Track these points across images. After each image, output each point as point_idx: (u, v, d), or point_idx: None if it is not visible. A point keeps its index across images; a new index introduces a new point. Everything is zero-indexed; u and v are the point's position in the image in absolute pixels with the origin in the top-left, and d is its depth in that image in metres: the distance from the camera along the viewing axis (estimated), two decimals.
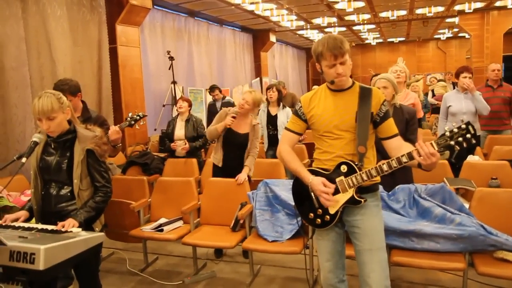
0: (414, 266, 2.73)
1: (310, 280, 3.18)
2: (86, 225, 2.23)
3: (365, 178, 2.01)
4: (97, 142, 2.33)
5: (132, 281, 3.52)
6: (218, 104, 7.01)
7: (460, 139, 1.84)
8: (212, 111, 6.98)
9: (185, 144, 4.67)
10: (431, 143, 1.87)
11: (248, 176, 3.70)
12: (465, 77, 4.47)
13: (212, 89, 7.14)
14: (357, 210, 2.10)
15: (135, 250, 4.03)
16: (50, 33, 4.99)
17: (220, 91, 7.18)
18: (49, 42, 4.98)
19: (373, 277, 2.07)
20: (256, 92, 3.79)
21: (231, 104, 7.00)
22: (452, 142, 1.85)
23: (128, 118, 3.39)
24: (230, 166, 3.74)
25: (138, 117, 3.40)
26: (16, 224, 2.21)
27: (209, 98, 7.69)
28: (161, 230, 3.44)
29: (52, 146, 2.33)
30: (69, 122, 2.34)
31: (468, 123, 1.84)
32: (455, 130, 1.85)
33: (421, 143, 1.88)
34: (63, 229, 2.08)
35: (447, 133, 1.87)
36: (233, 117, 3.66)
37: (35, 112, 2.20)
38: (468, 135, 1.83)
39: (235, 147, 3.74)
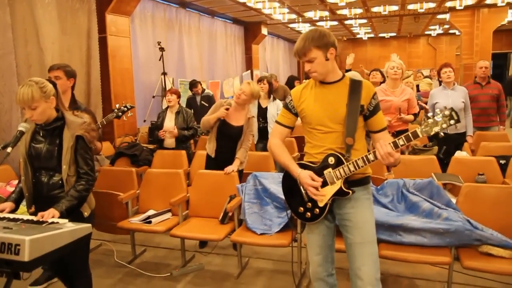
0: (401, 260, 2.75)
1: (297, 273, 3.20)
2: (70, 214, 2.20)
3: (352, 169, 2.02)
4: (86, 128, 2.32)
5: (119, 273, 3.50)
6: (198, 98, 6.99)
7: (445, 125, 1.88)
8: (192, 105, 6.94)
9: (174, 129, 4.66)
10: (395, 141, 1.93)
11: (241, 170, 3.72)
12: (445, 72, 4.51)
13: (194, 84, 7.08)
14: (348, 203, 2.11)
15: (123, 242, 4.00)
16: (38, 20, 4.89)
17: (201, 85, 7.15)
18: (36, 29, 4.89)
19: (364, 270, 2.08)
20: (254, 84, 3.77)
21: (210, 97, 6.96)
22: (437, 129, 1.88)
23: (116, 110, 3.36)
24: (223, 158, 3.72)
25: (125, 109, 3.38)
26: (1, 215, 2.17)
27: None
28: (149, 222, 3.42)
29: (41, 134, 2.31)
30: (57, 109, 2.32)
31: (451, 109, 1.88)
32: (439, 117, 1.89)
33: (381, 143, 1.93)
34: (41, 219, 2.05)
35: (430, 120, 1.90)
36: (227, 109, 3.65)
37: (17, 101, 2.19)
38: (452, 121, 1.87)
39: (228, 139, 3.73)
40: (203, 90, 7.17)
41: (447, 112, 1.88)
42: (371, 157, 1.98)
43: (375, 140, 2.12)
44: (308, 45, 2.00)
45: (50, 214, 2.10)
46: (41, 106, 2.20)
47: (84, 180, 2.30)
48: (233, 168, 3.58)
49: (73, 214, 2.21)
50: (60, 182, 2.28)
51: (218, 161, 3.73)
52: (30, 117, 2.22)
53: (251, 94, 3.66)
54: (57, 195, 2.27)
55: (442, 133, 1.89)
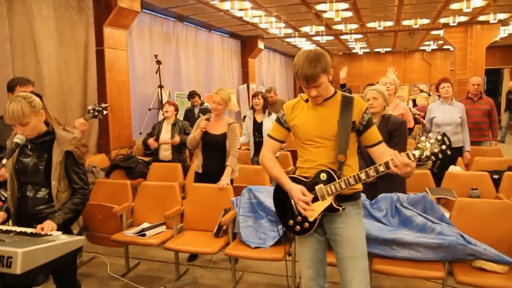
0: (394, 274, 2.75)
1: (292, 287, 3.19)
2: (64, 227, 2.20)
3: (343, 186, 2.03)
4: (76, 144, 2.30)
5: (112, 286, 3.47)
6: (196, 110, 7.00)
7: (436, 150, 1.89)
8: (189, 116, 6.96)
9: (174, 138, 4.71)
10: (407, 153, 1.91)
11: (231, 180, 3.72)
12: (443, 87, 4.57)
13: (192, 95, 7.10)
14: (338, 218, 2.12)
15: (116, 255, 3.98)
16: (36, 33, 4.93)
17: (200, 98, 7.17)
18: (34, 42, 4.92)
19: (355, 285, 2.08)
20: (221, 90, 3.83)
21: (209, 110, 6.99)
22: (428, 153, 1.89)
23: (91, 110, 3.32)
24: (211, 171, 3.74)
25: (101, 108, 3.35)
26: None
27: None
28: (144, 235, 3.41)
29: (29, 148, 2.29)
30: (47, 123, 2.30)
31: (443, 134, 1.89)
32: (431, 141, 1.89)
33: (396, 153, 1.92)
34: (42, 232, 2.04)
35: (423, 144, 1.91)
36: (207, 119, 3.75)
37: (7, 118, 2.15)
38: (444, 146, 1.88)
39: (213, 149, 3.76)
40: (202, 102, 7.18)
41: (439, 137, 1.88)
42: (362, 176, 1.99)
43: (375, 154, 2.11)
44: (318, 71, 1.97)
45: (50, 227, 2.09)
46: (32, 121, 2.19)
47: (80, 194, 2.31)
48: (226, 181, 3.59)
49: (63, 231, 2.17)
50: (47, 197, 2.26)
51: (206, 176, 3.76)
52: (22, 133, 2.20)
53: (223, 100, 3.73)
54: (42, 211, 2.25)
55: (433, 157, 1.89)
